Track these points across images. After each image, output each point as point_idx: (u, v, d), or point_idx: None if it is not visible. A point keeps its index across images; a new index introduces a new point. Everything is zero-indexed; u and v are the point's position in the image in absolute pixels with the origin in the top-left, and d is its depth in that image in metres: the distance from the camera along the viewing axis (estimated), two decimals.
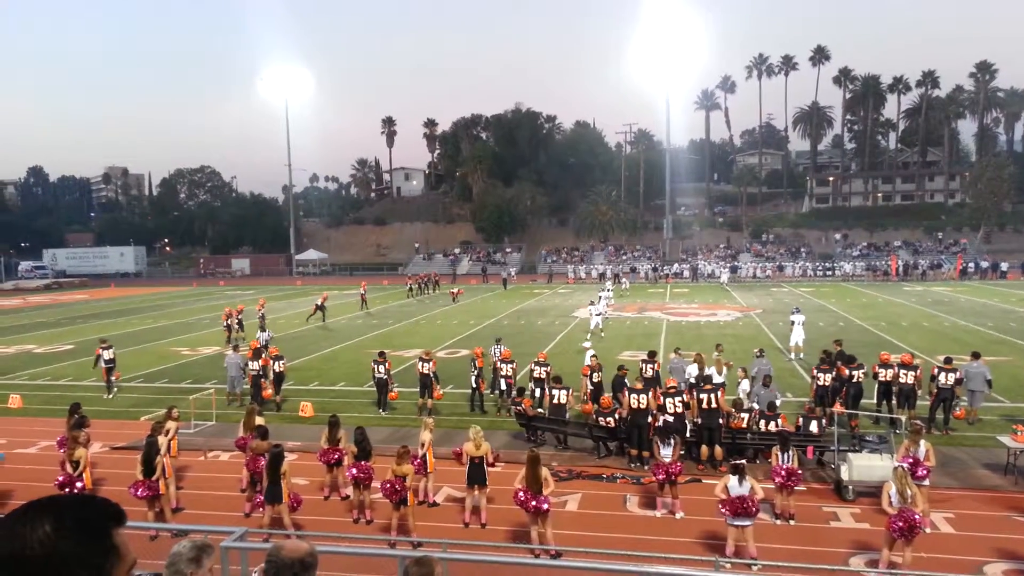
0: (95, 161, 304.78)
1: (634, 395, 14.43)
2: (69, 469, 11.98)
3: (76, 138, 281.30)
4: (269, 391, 19.22)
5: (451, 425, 17.00)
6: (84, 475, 12.02)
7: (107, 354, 21.44)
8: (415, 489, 11.54)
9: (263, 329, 27.15)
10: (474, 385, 18.80)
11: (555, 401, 15.77)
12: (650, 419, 14.29)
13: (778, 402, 15.57)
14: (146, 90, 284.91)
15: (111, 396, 21.36)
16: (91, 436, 14.41)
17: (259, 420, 13.75)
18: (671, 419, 13.87)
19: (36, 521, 1.64)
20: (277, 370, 19.48)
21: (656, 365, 18.37)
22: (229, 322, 30.83)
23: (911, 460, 11.35)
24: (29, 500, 1.73)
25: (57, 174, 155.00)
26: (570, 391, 15.98)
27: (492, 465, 12.16)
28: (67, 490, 11.44)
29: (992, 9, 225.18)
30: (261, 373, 19.17)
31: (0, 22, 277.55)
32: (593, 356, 18.24)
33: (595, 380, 17.40)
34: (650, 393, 14.68)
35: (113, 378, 21.70)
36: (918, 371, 16.46)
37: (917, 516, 9.45)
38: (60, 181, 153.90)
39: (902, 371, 16.45)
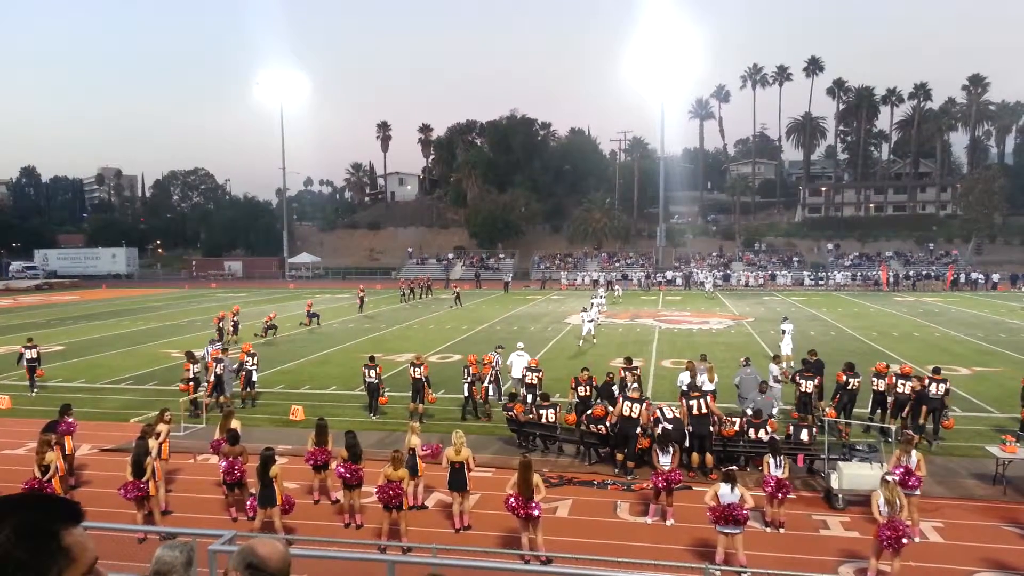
0: (88, 162, 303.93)
1: (627, 403, 14.41)
2: (38, 473, 11.84)
3: (69, 138, 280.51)
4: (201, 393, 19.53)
5: (444, 430, 16.94)
6: (53, 481, 11.87)
7: (29, 353, 21.97)
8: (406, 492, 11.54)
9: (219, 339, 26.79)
10: (467, 393, 18.75)
11: (543, 420, 15.64)
12: (638, 430, 14.26)
13: (774, 410, 15.66)
14: (141, 91, 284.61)
15: (33, 394, 21.66)
16: (80, 438, 14.39)
17: (235, 423, 13.66)
18: (670, 427, 13.87)
19: None
20: (248, 367, 20.14)
21: (637, 371, 18.38)
22: (222, 325, 30.73)
23: (903, 470, 11.39)
24: None
25: (50, 174, 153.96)
26: (558, 408, 15.85)
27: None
28: None
29: (985, 23, 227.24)
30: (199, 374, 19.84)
31: None
32: (585, 370, 17.82)
33: (582, 393, 16.87)
34: (644, 404, 14.62)
35: (36, 376, 22.07)
36: (913, 381, 16.52)
37: (906, 526, 9.49)
38: (52, 181, 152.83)
39: (900, 381, 16.49)
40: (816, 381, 17.24)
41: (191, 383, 19.50)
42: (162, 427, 13.70)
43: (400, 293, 54.26)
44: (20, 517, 1.60)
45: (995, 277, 61.66)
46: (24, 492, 1.81)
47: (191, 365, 19.79)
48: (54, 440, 12.52)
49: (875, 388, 16.91)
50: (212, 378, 19.66)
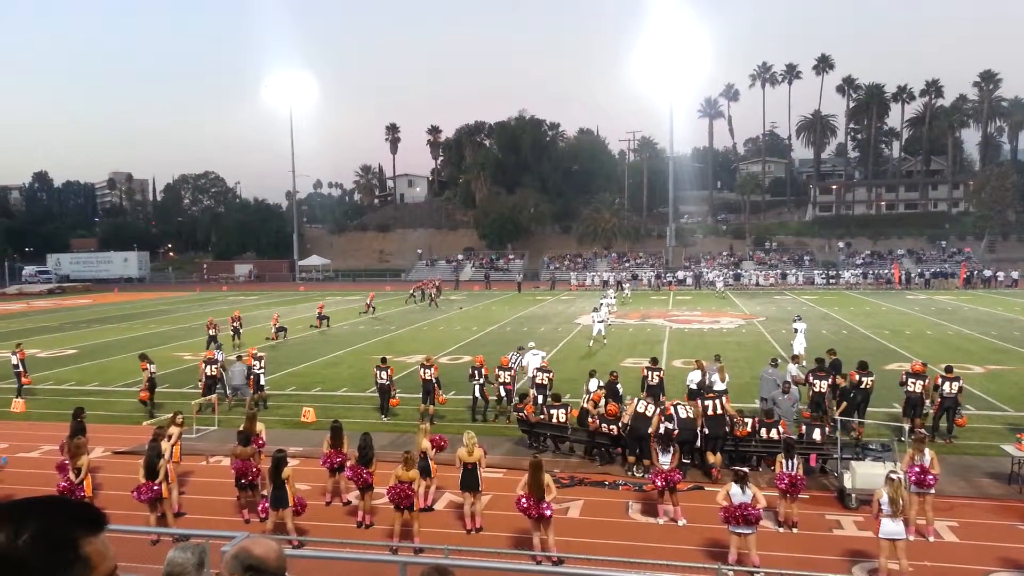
0: (100, 166, 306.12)
1: (643, 402, 14.36)
2: (72, 476, 11.95)
3: (81, 143, 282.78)
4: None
5: (455, 431, 16.93)
6: (85, 483, 12.00)
7: (13, 359, 22.06)
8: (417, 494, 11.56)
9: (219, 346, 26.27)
10: (476, 394, 18.74)
11: (554, 420, 15.57)
12: (651, 429, 14.24)
13: (795, 410, 15.62)
14: (151, 95, 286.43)
15: (20, 399, 21.59)
16: (92, 440, 14.49)
17: (260, 426, 13.70)
18: (671, 426, 13.84)
19: None
20: (256, 371, 20.09)
21: (661, 372, 18.29)
22: (212, 332, 29.68)
23: (918, 468, 11.31)
24: None
25: (62, 179, 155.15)
26: (568, 409, 15.80)
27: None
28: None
29: (996, 20, 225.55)
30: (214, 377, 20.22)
31: (6, 27, 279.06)
32: (612, 373, 17.76)
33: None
34: (658, 407, 14.55)
35: (23, 382, 22.05)
36: (926, 380, 16.40)
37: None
38: (65, 186, 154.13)
39: (910, 380, 16.37)
40: (830, 380, 17.12)
41: (148, 383, 19.71)
42: (174, 429, 13.76)
43: (414, 294, 54.28)
44: (40, 523, 1.58)
45: (1015, 275, 61.11)
46: (47, 496, 1.78)
47: (148, 365, 19.88)
48: (87, 444, 12.68)
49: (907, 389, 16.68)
50: (203, 378, 20.21)
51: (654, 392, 17.51)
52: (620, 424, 14.64)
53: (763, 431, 14.06)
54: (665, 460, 12.07)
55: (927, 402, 16.43)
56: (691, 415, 14.20)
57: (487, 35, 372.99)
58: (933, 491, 11.37)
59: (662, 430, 13.43)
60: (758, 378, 20.86)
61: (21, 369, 22.05)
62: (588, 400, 15.97)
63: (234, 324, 31.43)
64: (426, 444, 12.75)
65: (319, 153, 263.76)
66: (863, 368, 17.02)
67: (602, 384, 16.90)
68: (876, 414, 17.25)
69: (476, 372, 18.67)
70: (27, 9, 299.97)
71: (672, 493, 12.02)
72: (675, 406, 14.37)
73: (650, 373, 17.79)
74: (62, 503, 1.68)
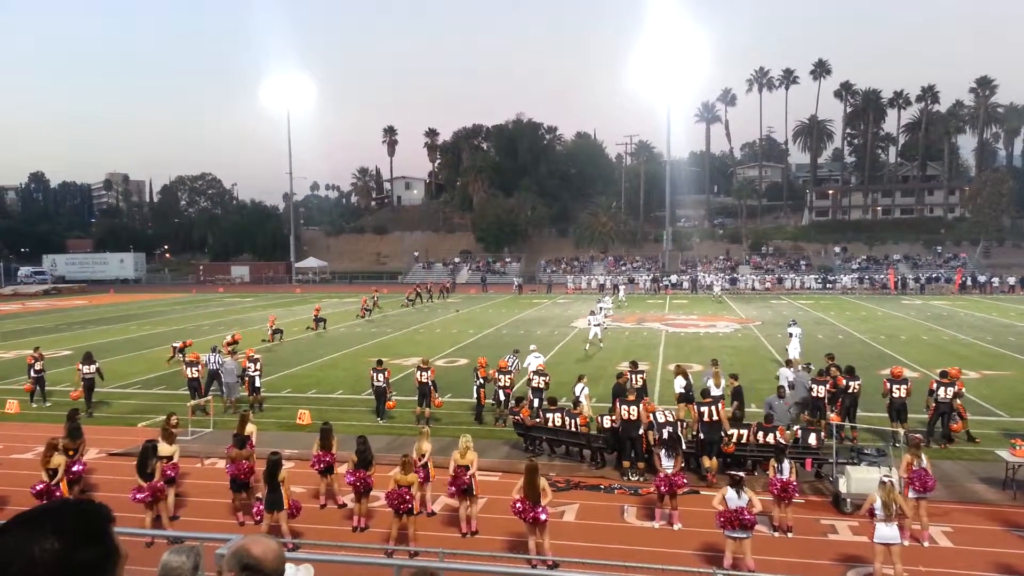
0: (96, 167, 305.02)
1: (625, 406, 14.37)
2: (45, 477, 11.87)
3: (78, 144, 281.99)
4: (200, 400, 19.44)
5: (450, 434, 16.92)
6: (61, 485, 11.92)
7: (38, 364, 21.53)
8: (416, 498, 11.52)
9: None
10: (476, 396, 18.72)
11: (550, 424, 15.59)
12: (641, 431, 14.26)
13: (790, 414, 15.65)
14: (148, 96, 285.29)
15: (47, 404, 21.28)
16: (87, 442, 14.45)
17: (251, 427, 13.65)
18: (670, 430, 13.85)
19: (38, 535, 1.61)
20: (251, 373, 20.00)
21: (643, 375, 18.37)
22: (179, 345, 28.87)
23: (918, 473, 11.31)
24: (16, 514, 1.71)
25: (58, 180, 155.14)
26: (564, 412, 15.82)
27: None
28: (45, 499, 11.29)
29: (993, 26, 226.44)
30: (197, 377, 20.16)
31: (3, 27, 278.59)
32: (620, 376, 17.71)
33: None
34: (641, 404, 14.61)
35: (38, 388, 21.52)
36: (908, 384, 16.39)
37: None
38: (61, 187, 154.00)
39: (894, 386, 16.37)
40: (828, 386, 17.14)
41: (83, 383, 19.91)
42: None
43: (410, 297, 54.38)
44: (77, 522, 1.69)
45: (1010, 280, 61.20)
46: (64, 499, 1.89)
47: (81, 366, 19.91)
48: (61, 444, 12.58)
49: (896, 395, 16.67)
50: (187, 380, 20.14)
51: (638, 395, 17.55)
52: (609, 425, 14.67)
53: (760, 435, 14.07)
54: (668, 464, 12.08)
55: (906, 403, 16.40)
56: (671, 419, 14.22)
57: (485, 38, 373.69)
58: (928, 496, 11.39)
59: (665, 435, 13.44)
60: (755, 383, 21.02)
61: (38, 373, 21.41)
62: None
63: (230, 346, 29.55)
64: (427, 447, 12.72)
65: (316, 155, 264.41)
66: (850, 372, 17.10)
67: (588, 392, 17.20)
68: (871, 419, 17.26)
69: (474, 373, 18.76)
70: (24, 9, 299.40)
71: (672, 498, 12.03)
72: (654, 413, 14.37)
73: (633, 376, 17.81)
74: (83, 503, 1.79)
